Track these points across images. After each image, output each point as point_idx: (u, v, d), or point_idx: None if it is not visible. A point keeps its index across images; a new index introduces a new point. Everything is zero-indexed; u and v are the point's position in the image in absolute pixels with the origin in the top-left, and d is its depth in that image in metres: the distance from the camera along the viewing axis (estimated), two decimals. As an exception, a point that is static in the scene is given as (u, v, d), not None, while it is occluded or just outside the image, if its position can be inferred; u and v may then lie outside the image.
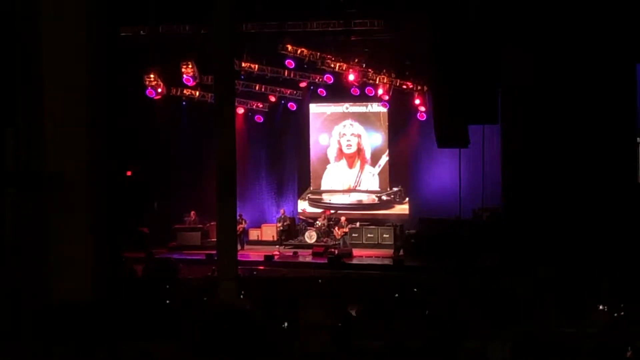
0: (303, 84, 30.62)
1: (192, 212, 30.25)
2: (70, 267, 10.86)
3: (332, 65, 28.26)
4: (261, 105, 32.00)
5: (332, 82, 29.06)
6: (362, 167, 31.86)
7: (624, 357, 8.90)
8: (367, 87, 29.10)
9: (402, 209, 30.89)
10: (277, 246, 29.57)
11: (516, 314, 13.73)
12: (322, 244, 28.98)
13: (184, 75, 29.19)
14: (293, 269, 25.50)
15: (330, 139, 32.12)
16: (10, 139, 11.12)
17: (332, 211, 30.59)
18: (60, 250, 10.76)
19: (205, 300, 16.38)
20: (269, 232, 30.71)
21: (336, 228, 29.16)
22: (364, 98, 30.14)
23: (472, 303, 15.16)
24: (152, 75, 29.66)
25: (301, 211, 31.88)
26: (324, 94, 30.53)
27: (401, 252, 27.66)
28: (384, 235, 29.33)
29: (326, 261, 26.61)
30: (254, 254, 28.27)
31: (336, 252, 27.65)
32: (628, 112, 23.24)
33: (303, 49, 27.85)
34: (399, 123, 30.97)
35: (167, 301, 17.76)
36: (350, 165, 32.02)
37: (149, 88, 29.85)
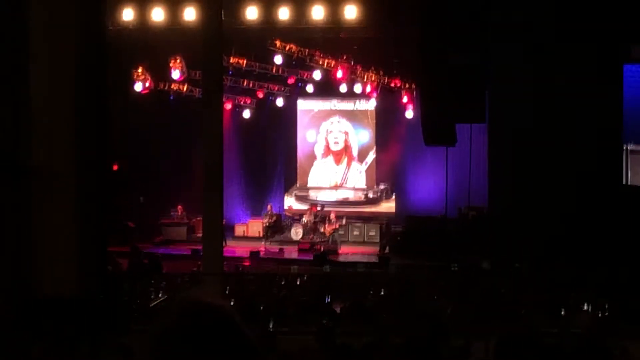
0: (291, 80, 30.59)
1: (179, 207, 30.20)
2: (54, 260, 10.83)
3: (321, 62, 28.27)
4: (249, 101, 31.98)
5: (320, 78, 29.06)
6: (349, 164, 31.89)
7: (607, 357, 8.92)
8: (355, 84, 29.12)
9: (389, 206, 30.93)
10: (263, 242, 29.50)
11: (500, 312, 13.76)
12: (308, 240, 28.95)
13: (172, 70, 29.11)
14: (278, 265, 25.52)
15: (317, 135, 32.14)
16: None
17: (319, 207, 30.59)
18: (45, 244, 10.73)
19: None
20: (255, 227, 30.62)
21: (326, 225, 29.09)
22: (351, 95, 30.20)
23: (457, 301, 15.19)
24: (140, 70, 29.58)
25: (287, 207, 31.88)
26: (312, 91, 30.55)
27: (387, 250, 27.68)
28: (370, 233, 29.33)
29: (312, 258, 26.61)
30: (240, 250, 28.20)
31: (322, 248, 27.66)
32: (615, 112, 23.30)
33: (291, 45, 27.83)
34: (386, 120, 31.03)
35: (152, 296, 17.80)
36: (337, 162, 32.04)
37: (137, 82, 29.77)
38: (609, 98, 23.23)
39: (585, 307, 14.71)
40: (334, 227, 28.72)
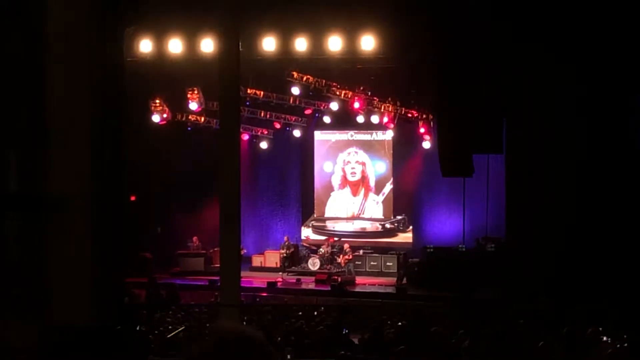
0: (308, 111, 30.66)
1: (195, 238, 30.20)
2: (71, 291, 10.82)
3: (338, 93, 28.27)
4: (266, 132, 32.06)
5: (337, 109, 29.05)
6: (366, 195, 31.85)
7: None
8: (372, 115, 29.11)
9: (406, 237, 30.83)
10: (280, 273, 29.46)
11: (518, 345, 13.67)
12: (325, 271, 28.89)
13: (190, 101, 29.13)
14: (296, 296, 25.46)
15: (334, 166, 32.14)
16: (13, 161, 11.11)
17: (336, 238, 30.54)
18: (61, 275, 10.73)
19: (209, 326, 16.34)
20: (272, 258, 30.58)
21: (340, 255, 29.02)
22: (368, 126, 30.18)
23: (474, 334, 15.10)
24: (157, 101, 29.61)
25: (305, 238, 31.85)
26: (329, 122, 30.59)
27: (404, 281, 27.59)
28: (387, 264, 29.23)
29: (329, 288, 26.56)
30: (257, 280, 28.15)
31: (339, 279, 27.59)
32: (634, 143, 23.21)
33: (309, 76, 27.85)
34: (403, 151, 30.99)
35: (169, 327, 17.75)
36: (355, 192, 32.01)
37: (155, 113, 29.82)
38: (629, 129, 23.16)
39: (605, 339, 14.59)
40: (347, 257, 28.66)
